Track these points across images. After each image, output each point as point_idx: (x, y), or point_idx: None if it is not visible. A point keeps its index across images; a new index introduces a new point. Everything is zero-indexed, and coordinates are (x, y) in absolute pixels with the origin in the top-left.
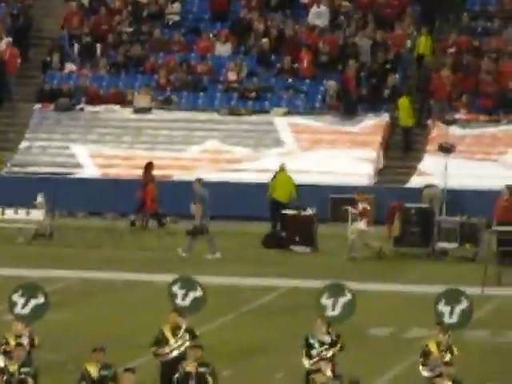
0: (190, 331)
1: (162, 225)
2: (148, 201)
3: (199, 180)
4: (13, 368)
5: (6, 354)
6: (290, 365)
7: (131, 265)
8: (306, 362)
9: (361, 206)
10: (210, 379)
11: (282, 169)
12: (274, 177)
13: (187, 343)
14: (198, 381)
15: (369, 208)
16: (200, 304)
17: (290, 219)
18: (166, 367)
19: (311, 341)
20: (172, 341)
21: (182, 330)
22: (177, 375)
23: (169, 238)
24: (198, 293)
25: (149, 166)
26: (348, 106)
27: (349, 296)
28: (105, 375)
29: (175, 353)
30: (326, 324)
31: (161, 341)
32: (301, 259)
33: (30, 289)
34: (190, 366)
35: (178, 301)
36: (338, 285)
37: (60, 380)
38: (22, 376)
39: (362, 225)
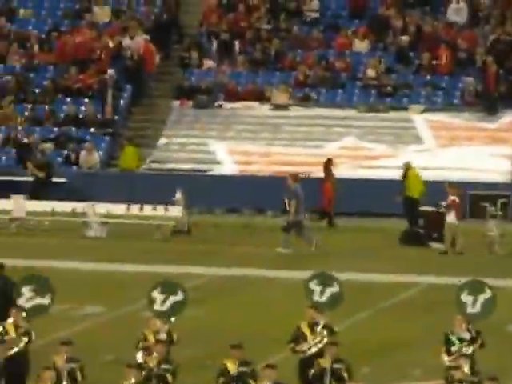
0: (328, 327)
1: (332, 225)
2: (324, 200)
3: (293, 176)
4: (152, 364)
5: (145, 350)
6: (428, 361)
7: (268, 261)
8: (445, 359)
9: (451, 198)
10: (345, 375)
11: (410, 166)
12: (404, 175)
13: (325, 339)
14: (334, 377)
15: (458, 201)
16: (337, 300)
17: (428, 216)
18: (304, 364)
19: (451, 337)
20: (310, 337)
21: (320, 327)
22: (312, 371)
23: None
24: (336, 289)
25: (327, 163)
26: (489, 104)
27: (489, 293)
28: (243, 372)
29: (313, 349)
30: (466, 321)
31: (298, 337)
32: (439, 256)
33: (169, 286)
34: (325, 362)
35: (316, 297)
36: (478, 281)
37: (198, 376)
38: (161, 372)
39: (450, 217)
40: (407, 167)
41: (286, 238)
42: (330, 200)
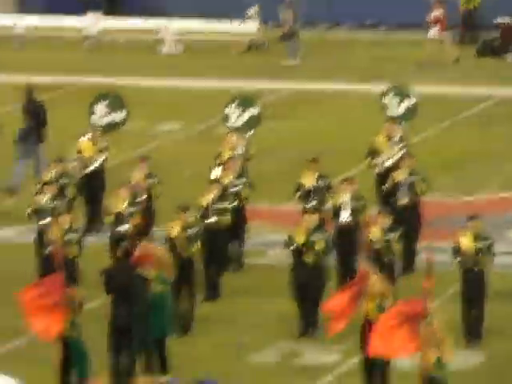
0: (404, 140)
1: None
2: None
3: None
4: (228, 179)
5: (221, 165)
6: (508, 172)
7: (344, 74)
8: None
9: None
10: (422, 186)
11: None
12: None
13: (401, 152)
14: (409, 189)
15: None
16: (413, 112)
17: (505, 28)
18: (380, 177)
19: None
20: (386, 150)
21: (397, 138)
22: (386, 185)
23: None
24: (412, 101)
25: None
26: None
27: None
28: (320, 185)
29: (389, 162)
30: None
31: (375, 151)
32: None
33: (244, 100)
34: (400, 175)
35: (391, 110)
36: None
37: (276, 190)
38: (237, 188)
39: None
40: None
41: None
42: None
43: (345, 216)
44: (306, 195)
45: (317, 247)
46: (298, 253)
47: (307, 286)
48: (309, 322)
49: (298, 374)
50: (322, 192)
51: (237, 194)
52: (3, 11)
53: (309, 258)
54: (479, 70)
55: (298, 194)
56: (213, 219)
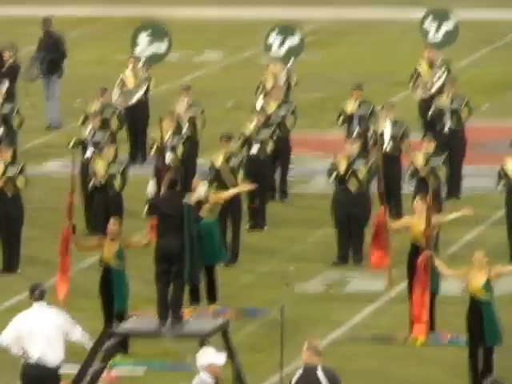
0: (447, 64)
1: None
2: None
3: None
4: (271, 108)
5: (264, 95)
6: None
7: (384, 1)
8: None
9: None
10: (466, 111)
11: None
12: None
13: (444, 76)
14: (453, 115)
15: None
16: (452, 37)
17: None
18: (424, 105)
19: None
20: (428, 76)
21: (439, 64)
22: (430, 111)
23: None
24: (451, 25)
25: None
26: None
27: None
28: (363, 111)
29: (433, 89)
30: None
31: (418, 77)
32: None
33: (285, 29)
34: (443, 101)
35: (431, 36)
36: None
37: (319, 119)
38: (280, 117)
39: None
40: None
41: None
42: None
43: (384, 143)
44: (349, 122)
45: (359, 175)
46: (341, 181)
47: (350, 214)
48: (353, 250)
49: (344, 301)
50: (364, 118)
51: (280, 123)
52: None
53: (352, 186)
54: None
55: (341, 119)
56: (256, 148)
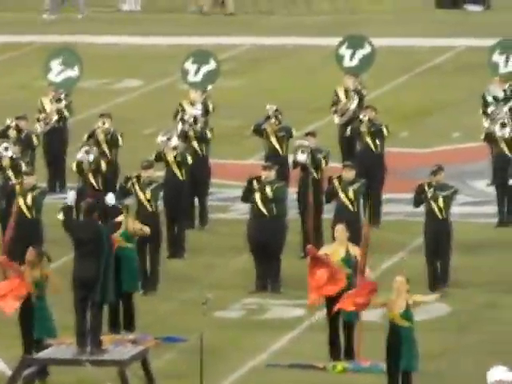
0: (360, 92)
1: None
2: None
3: None
4: (191, 132)
5: (182, 121)
6: (467, 124)
7: (303, 30)
8: (483, 120)
9: None
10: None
11: None
12: None
13: (355, 103)
14: (372, 136)
15: None
16: (368, 62)
17: None
18: (343, 128)
19: (487, 98)
20: (344, 100)
21: (354, 90)
22: (347, 132)
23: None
24: (366, 50)
25: None
26: None
27: None
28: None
29: (350, 112)
30: (501, 81)
31: (336, 102)
32: (474, 18)
33: (201, 55)
34: (362, 124)
35: (346, 62)
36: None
37: (238, 146)
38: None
39: None
40: None
41: None
42: None
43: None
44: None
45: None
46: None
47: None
48: (269, 277)
49: (262, 328)
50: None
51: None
52: None
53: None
54: (437, 22)
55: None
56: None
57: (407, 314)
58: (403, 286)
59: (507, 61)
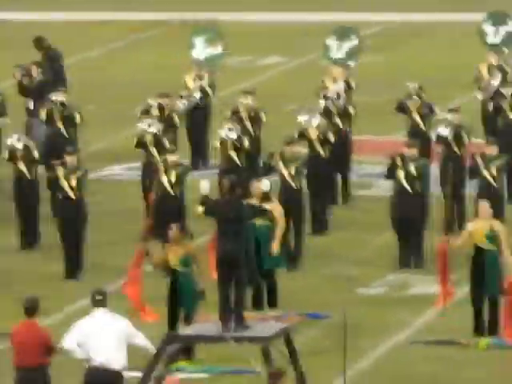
0: (502, 69)
1: None
2: None
3: None
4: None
5: (325, 97)
6: None
7: (446, 5)
8: None
9: None
10: None
11: None
12: None
13: (498, 79)
14: None
15: None
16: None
17: None
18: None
19: None
20: (487, 77)
21: (497, 65)
22: (490, 108)
23: None
24: (510, 27)
25: None
26: None
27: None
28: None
29: (491, 90)
30: None
31: (479, 78)
32: None
33: (343, 32)
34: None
35: (490, 38)
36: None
37: (381, 122)
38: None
39: None
40: None
41: None
42: None
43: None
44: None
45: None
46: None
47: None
48: (413, 254)
49: (406, 304)
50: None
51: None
52: None
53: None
54: None
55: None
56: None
57: (491, 237)
58: (488, 210)
59: None
